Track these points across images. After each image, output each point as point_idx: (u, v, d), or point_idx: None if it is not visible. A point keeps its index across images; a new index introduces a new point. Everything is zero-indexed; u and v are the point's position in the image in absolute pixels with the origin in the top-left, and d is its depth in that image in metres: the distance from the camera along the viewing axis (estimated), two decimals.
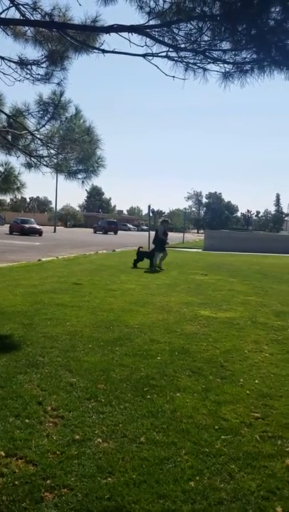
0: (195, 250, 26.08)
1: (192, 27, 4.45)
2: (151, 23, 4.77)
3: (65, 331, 5.50)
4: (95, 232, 51.04)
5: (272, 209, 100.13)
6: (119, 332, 5.60)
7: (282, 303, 8.28)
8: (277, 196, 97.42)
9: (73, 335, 5.35)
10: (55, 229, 48.49)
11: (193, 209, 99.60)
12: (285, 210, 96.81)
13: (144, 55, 4.55)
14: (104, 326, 5.89)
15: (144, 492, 2.39)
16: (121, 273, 11.84)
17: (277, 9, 4.49)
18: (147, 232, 26.91)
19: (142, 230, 65.86)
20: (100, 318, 6.31)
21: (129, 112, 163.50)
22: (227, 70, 4.68)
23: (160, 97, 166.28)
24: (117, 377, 4.04)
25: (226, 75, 4.63)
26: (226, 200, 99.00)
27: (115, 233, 50.57)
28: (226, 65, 4.60)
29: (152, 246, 14.16)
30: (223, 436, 3.00)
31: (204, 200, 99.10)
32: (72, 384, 3.82)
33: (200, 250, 26.16)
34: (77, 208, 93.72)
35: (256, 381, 4.08)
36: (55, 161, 6.73)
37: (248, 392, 3.80)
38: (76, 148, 6.53)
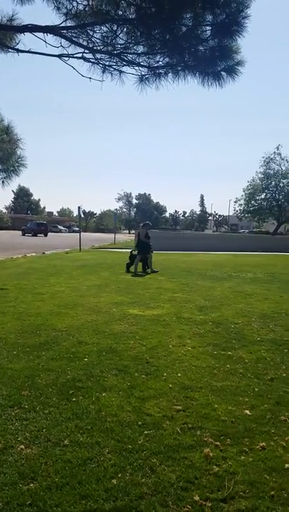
0: (126, 250, 26.22)
1: (107, 29, 4.51)
2: (68, 24, 4.75)
3: None
4: (23, 235, 49.27)
5: (198, 209, 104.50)
6: (46, 336, 5.50)
7: (205, 298, 8.63)
8: (202, 197, 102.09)
9: None
10: None
11: (124, 210, 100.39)
12: (208, 210, 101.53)
13: (59, 56, 4.52)
14: (30, 331, 5.75)
15: (67, 494, 2.39)
16: (50, 276, 11.59)
17: (188, 16, 4.68)
18: (78, 234, 26.64)
19: (74, 232, 64.89)
20: (26, 323, 6.15)
21: (56, 112, 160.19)
22: (143, 73, 4.80)
23: (87, 98, 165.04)
24: (43, 382, 3.97)
25: (142, 78, 4.75)
26: (154, 201, 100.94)
27: (45, 235, 49.21)
28: (141, 69, 4.71)
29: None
30: (146, 432, 3.08)
31: (134, 201, 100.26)
32: None
33: (131, 250, 26.39)
34: (4, 210, 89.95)
35: (179, 374, 4.23)
36: None
37: (170, 385, 3.93)
38: None
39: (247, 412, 3.43)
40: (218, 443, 2.95)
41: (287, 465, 2.71)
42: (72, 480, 2.51)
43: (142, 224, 15.01)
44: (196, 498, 2.37)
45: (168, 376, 4.18)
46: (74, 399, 3.61)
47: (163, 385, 3.96)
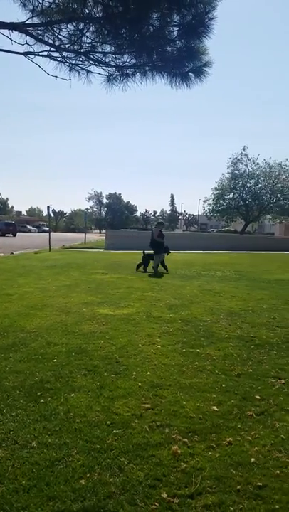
0: (97, 250, 26.14)
1: (74, 28, 4.48)
2: (35, 21, 4.68)
3: None
4: None
5: (168, 209, 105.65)
6: (14, 338, 5.41)
7: (174, 296, 8.71)
8: (172, 197, 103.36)
9: None
10: None
11: (95, 209, 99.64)
12: (179, 210, 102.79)
13: (24, 54, 4.44)
14: None
15: (34, 496, 2.36)
16: (19, 276, 11.38)
17: (156, 15, 4.70)
18: (48, 234, 26.28)
19: (43, 231, 63.91)
20: None
21: (25, 111, 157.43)
22: (111, 72, 4.80)
23: (56, 96, 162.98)
24: (10, 384, 3.91)
25: (110, 78, 4.75)
26: (125, 201, 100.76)
27: (14, 235, 48.19)
28: (108, 68, 4.71)
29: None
30: (114, 431, 3.08)
31: (105, 200, 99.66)
32: None
33: (102, 250, 26.29)
34: None
35: (148, 373, 4.25)
36: None
37: (140, 384, 3.95)
38: None
39: (214, 408, 3.49)
40: (186, 440, 2.98)
41: (253, 459, 2.78)
42: (40, 482, 2.49)
43: (155, 223, 15.00)
44: (164, 495, 2.40)
45: (137, 375, 4.19)
46: (42, 400, 3.57)
47: (132, 383, 3.97)
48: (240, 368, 4.46)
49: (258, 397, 3.74)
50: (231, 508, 2.31)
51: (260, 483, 2.52)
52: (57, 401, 3.57)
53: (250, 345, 5.30)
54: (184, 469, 2.65)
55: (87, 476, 2.55)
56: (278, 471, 2.65)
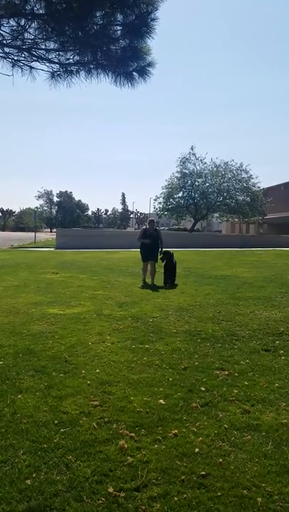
0: (47, 249, 25.66)
1: (15, 23, 4.38)
2: None
3: None
4: None
5: (119, 207, 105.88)
6: None
7: (125, 294, 8.78)
8: (123, 195, 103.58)
9: None
10: None
11: (45, 208, 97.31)
12: (130, 208, 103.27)
13: None
14: None
15: None
16: None
17: (99, 14, 4.71)
18: None
19: None
20: None
21: None
22: (55, 69, 4.75)
23: (2, 93, 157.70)
24: None
25: (54, 75, 4.70)
26: (76, 199, 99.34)
27: None
28: (52, 65, 4.66)
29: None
30: (62, 430, 3.08)
31: (55, 199, 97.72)
32: None
33: (52, 249, 25.84)
34: None
35: (97, 370, 4.27)
36: None
37: (88, 382, 3.96)
38: None
39: (161, 401, 3.57)
40: (133, 434, 3.03)
41: (197, 449, 2.86)
42: None
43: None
44: (110, 489, 2.43)
45: (86, 373, 4.19)
46: None
47: (81, 382, 3.97)
48: (187, 362, 4.59)
49: (203, 388, 3.86)
50: (176, 498, 2.37)
51: (203, 473, 2.60)
52: (3, 403, 3.51)
53: (196, 339, 5.45)
54: (130, 463, 2.69)
55: (34, 475, 2.54)
56: (221, 460, 2.75)
